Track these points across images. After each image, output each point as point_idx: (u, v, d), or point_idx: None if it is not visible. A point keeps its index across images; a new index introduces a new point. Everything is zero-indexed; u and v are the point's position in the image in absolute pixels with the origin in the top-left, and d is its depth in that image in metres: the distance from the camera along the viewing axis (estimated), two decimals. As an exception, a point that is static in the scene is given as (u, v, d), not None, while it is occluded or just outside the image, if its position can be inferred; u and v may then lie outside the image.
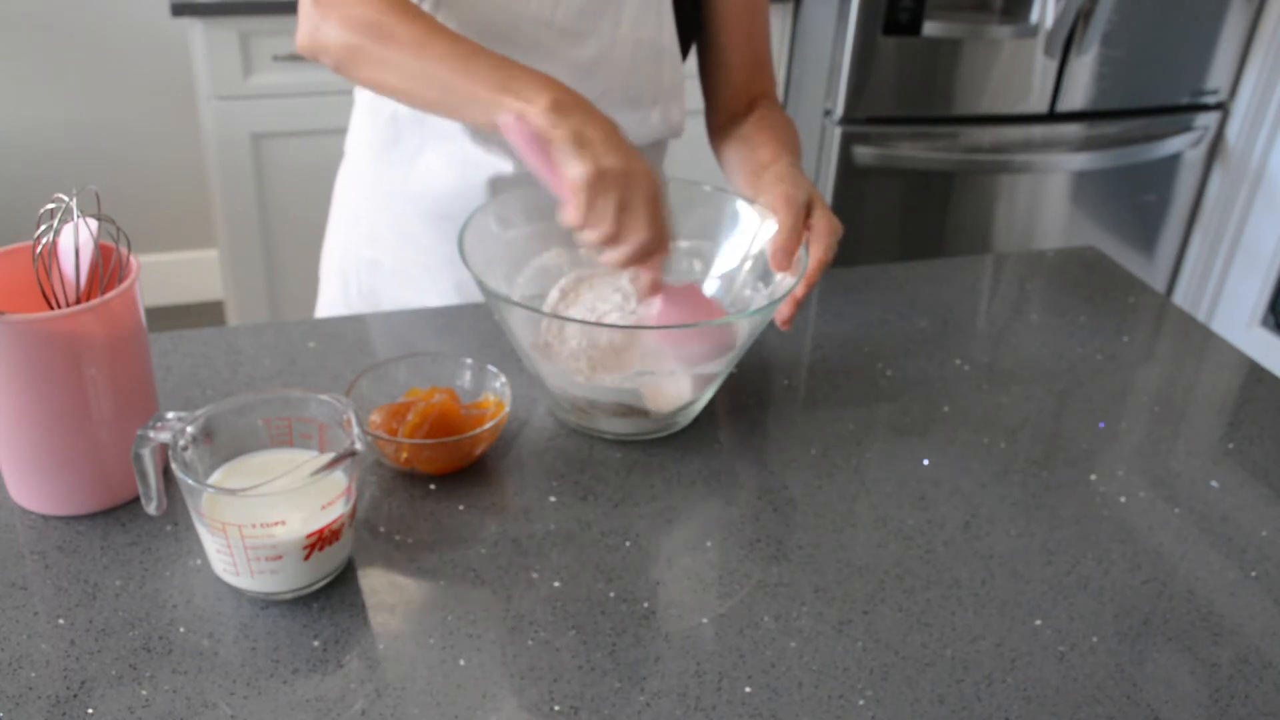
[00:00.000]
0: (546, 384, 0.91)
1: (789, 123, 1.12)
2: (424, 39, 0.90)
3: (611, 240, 0.84)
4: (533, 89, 0.85)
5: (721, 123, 1.15)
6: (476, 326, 1.07)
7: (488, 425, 0.86)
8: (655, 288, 0.89)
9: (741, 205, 0.99)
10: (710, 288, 0.99)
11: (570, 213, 0.84)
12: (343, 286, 1.25)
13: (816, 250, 0.92)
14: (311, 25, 0.93)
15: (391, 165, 1.15)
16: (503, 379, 0.91)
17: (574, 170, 0.82)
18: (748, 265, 0.98)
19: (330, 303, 1.27)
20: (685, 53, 1.14)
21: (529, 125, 0.84)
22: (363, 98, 1.17)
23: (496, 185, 1.11)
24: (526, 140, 0.85)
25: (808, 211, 0.95)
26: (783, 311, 0.92)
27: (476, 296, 1.16)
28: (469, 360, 0.93)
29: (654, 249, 0.85)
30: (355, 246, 1.22)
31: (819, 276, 0.92)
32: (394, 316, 1.10)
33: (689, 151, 1.96)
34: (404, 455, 0.85)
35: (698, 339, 0.89)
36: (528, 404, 0.95)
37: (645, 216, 0.84)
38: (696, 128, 1.21)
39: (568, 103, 0.84)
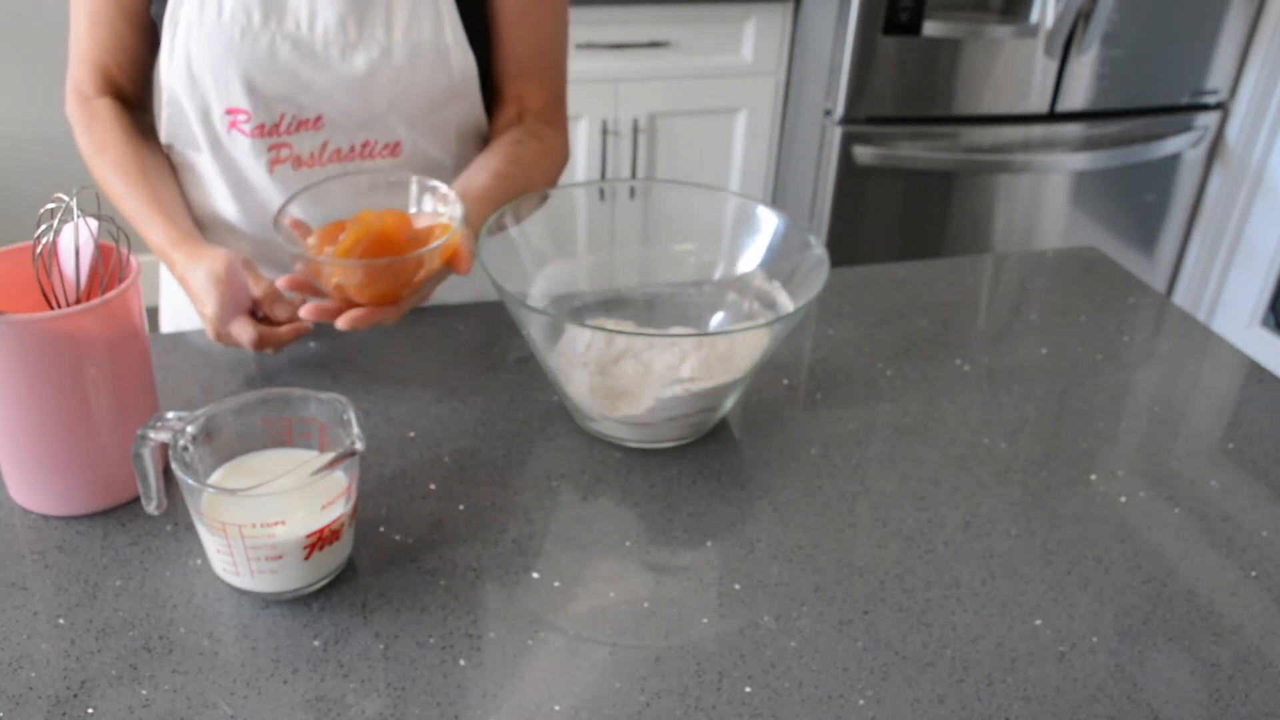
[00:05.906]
0: (567, 391, 0.91)
1: (529, 163, 1.08)
2: (104, 182, 1.04)
3: (256, 341, 0.93)
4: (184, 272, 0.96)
5: (494, 125, 1.14)
6: (478, 321, 1.07)
7: (431, 247, 0.75)
8: (293, 326, 0.94)
9: (760, 210, 0.99)
10: (725, 293, 0.99)
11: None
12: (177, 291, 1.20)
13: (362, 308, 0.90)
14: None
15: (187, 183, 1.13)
16: (461, 208, 0.81)
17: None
18: (762, 271, 0.97)
19: (172, 306, 1.22)
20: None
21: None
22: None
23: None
24: None
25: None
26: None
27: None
28: (437, 184, 0.93)
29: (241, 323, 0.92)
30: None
31: (362, 321, 0.88)
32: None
33: (691, 152, 1.96)
34: (335, 280, 0.75)
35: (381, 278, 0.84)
36: (528, 404, 0.95)
37: (219, 318, 0.92)
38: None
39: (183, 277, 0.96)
